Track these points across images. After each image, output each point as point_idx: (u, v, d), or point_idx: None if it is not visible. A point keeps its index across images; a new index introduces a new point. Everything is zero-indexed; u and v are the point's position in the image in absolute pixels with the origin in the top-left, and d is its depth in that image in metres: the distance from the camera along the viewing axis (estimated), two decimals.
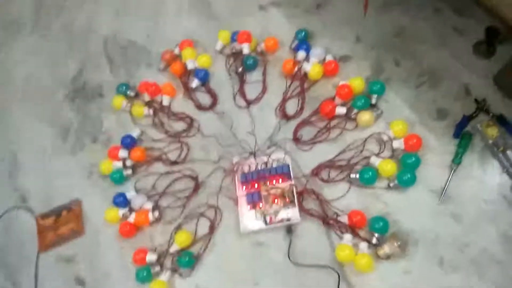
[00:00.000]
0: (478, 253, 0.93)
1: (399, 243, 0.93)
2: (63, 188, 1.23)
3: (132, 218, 1.10)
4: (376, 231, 0.97)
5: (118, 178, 1.17)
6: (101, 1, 1.54)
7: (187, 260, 1.03)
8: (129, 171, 1.18)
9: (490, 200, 0.97)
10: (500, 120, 1.02)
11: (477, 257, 0.93)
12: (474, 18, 1.16)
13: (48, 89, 1.41)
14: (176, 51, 1.34)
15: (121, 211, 1.12)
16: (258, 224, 1.04)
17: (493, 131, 1.00)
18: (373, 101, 1.12)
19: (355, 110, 1.11)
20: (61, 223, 1.17)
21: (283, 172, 1.08)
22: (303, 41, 1.24)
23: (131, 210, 1.13)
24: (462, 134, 1.03)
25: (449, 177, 1.00)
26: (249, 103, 1.23)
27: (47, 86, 1.42)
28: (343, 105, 1.13)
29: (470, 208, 0.97)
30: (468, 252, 0.94)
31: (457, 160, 1.00)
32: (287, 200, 1.05)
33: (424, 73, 1.14)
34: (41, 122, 1.36)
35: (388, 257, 0.95)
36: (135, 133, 1.23)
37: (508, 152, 0.98)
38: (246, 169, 1.11)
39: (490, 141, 1.00)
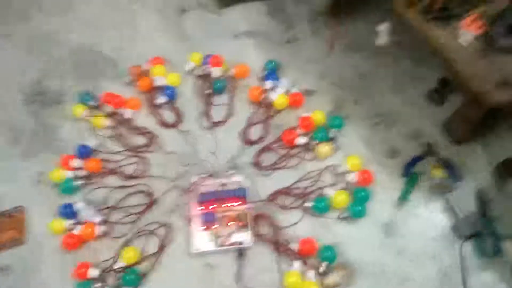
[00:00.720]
0: None
1: (344, 273, 0.95)
2: (8, 193, 1.16)
3: (77, 230, 1.06)
4: (325, 260, 0.98)
5: (68, 188, 1.13)
6: (75, 12, 1.51)
7: (132, 278, 0.99)
8: (81, 182, 1.14)
9: (433, 238, 1.02)
10: (446, 164, 1.09)
11: None
12: (430, 67, 1.25)
13: (4, 90, 1.35)
14: (145, 66, 1.34)
15: (67, 222, 1.07)
16: (210, 246, 1.03)
17: (438, 173, 1.06)
18: (332, 134, 1.17)
19: (315, 141, 1.15)
20: (0, 230, 1.10)
21: (240, 195, 1.08)
22: (272, 72, 1.29)
23: (78, 222, 1.08)
24: (411, 174, 1.09)
25: (395, 213, 1.04)
26: (214, 124, 1.24)
27: (4, 87, 1.36)
28: (304, 135, 1.17)
29: (414, 244, 1.02)
30: (409, 285, 0.97)
31: (404, 197, 1.06)
32: (241, 223, 1.05)
33: (381, 114, 1.21)
34: None
35: (334, 286, 0.96)
36: (92, 143, 1.20)
37: (449, 194, 1.04)
38: (203, 189, 1.11)
39: (435, 182, 1.06)
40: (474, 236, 0.99)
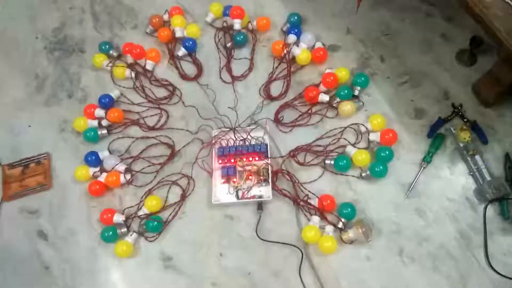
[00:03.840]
0: (436, 248, 0.98)
1: (363, 229, 0.96)
2: (34, 140, 1.19)
3: (102, 178, 1.08)
4: (343, 216, 1.00)
5: (92, 136, 1.14)
6: None
7: (155, 225, 1.02)
8: (104, 131, 1.16)
9: (454, 200, 1.02)
10: (474, 126, 1.07)
11: (434, 251, 0.98)
12: (461, 27, 1.20)
13: (27, 39, 1.35)
14: (165, 17, 1.31)
15: (92, 170, 1.10)
16: (230, 198, 1.05)
17: (465, 135, 1.04)
18: (356, 92, 1.14)
19: (337, 99, 1.13)
20: (28, 175, 1.13)
21: (260, 150, 1.08)
22: (295, 25, 1.25)
23: (102, 170, 1.11)
24: (436, 135, 1.08)
25: (418, 173, 1.04)
26: (234, 79, 1.22)
27: (26, 35, 1.35)
28: (326, 92, 1.15)
29: (434, 205, 1.02)
30: (427, 245, 0.98)
31: (427, 159, 1.05)
32: (261, 178, 1.06)
33: (407, 73, 1.18)
34: (16, 70, 1.30)
35: (351, 242, 0.98)
36: (114, 93, 1.20)
37: (477, 157, 1.02)
38: (224, 143, 1.11)
39: (461, 145, 1.05)
40: (498, 199, 0.99)
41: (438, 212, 1.01)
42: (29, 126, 1.21)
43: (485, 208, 1.00)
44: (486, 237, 0.97)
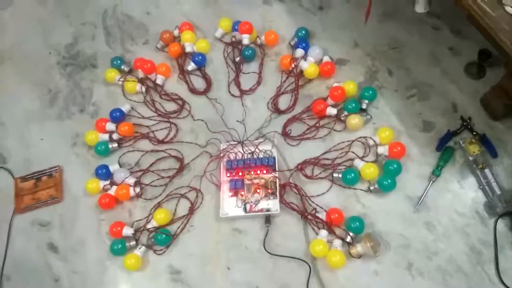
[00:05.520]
0: (445, 262, 0.97)
1: (372, 244, 0.96)
2: (45, 153, 1.21)
3: (112, 191, 1.10)
4: (352, 230, 0.99)
5: (103, 150, 1.16)
6: None
7: (164, 238, 1.03)
8: (115, 145, 1.18)
9: (464, 214, 1.01)
10: (483, 139, 1.06)
11: (444, 265, 0.97)
12: (469, 40, 1.20)
13: (40, 54, 1.38)
14: (176, 32, 1.33)
15: (103, 183, 1.11)
16: (238, 211, 1.05)
17: (474, 149, 1.03)
18: (364, 106, 1.15)
19: (345, 113, 1.14)
20: (40, 188, 1.15)
21: (268, 163, 1.09)
22: (303, 40, 1.26)
23: (112, 183, 1.12)
24: (445, 148, 1.07)
25: (427, 187, 1.04)
26: (242, 92, 1.24)
27: (39, 50, 1.39)
28: (334, 106, 1.15)
29: (443, 219, 1.01)
30: (436, 260, 0.97)
31: (437, 172, 1.04)
32: (269, 191, 1.06)
33: (415, 86, 1.18)
34: (29, 84, 1.33)
35: (360, 256, 0.97)
36: (125, 107, 1.22)
37: (486, 170, 1.02)
38: (232, 156, 1.12)
39: (471, 158, 1.04)
40: (509, 214, 0.98)
41: (447, 226, 1.00)
42: (42, 139, 1.24)
43: (496, 222, 0.99)
44: (497, 251, 0.96)
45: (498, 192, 0.99)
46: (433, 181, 1.04)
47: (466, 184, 1.04)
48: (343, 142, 1.12)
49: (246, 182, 1.08)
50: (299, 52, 1.23)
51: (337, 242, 0.98)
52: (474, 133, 1.08)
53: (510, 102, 1.04)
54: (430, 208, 1.02)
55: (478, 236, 0.98)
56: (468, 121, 1.09)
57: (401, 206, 1.03)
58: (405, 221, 1.02)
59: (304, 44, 1.24)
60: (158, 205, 1.10)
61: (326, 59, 1.22)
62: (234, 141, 1.15)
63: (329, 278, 0.98)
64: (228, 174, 1.10)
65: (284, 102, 1.21)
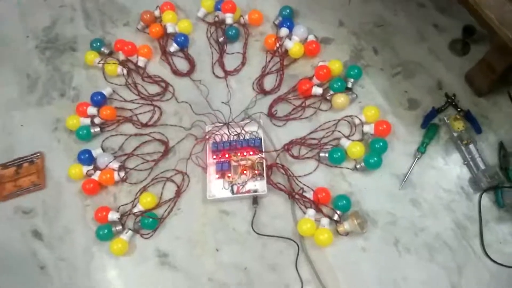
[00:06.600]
0: (432, 238, 0.98)
1: (359, 221, 0.96)
2: (26, 140, 1.18)
3: (96, 176, 1.08)
4: (339, 208, 1.00)
5: (84, 134, 1.14)
6: None
7: (150, 222, 1.02)
8: (97, 129, 1.15)
9: (449, 190, 1.02)
10: (467, 115, 1.06)
11: (430, 241, 0.98)
12: (454, 17, 1.19)
13: (17, 38, 1.33)
14: (157, 13, 1.30)
15: (86, 168, 1.09)
16: (225, 193, 1.05)
17: (459, 125, 1.04)
18: (349, 85, 1.14)
19: (331, 92, 1.13)
20: (21, 175, 1.12)
21: (254, 144, 1.08)
22: (287, 19, 1.24)
23: (96, 168, 1.10)
24: (429, 125, 1.07)
25: (412, 164, 1.04)
26: (227, 73, 1.22)
27: (16, 34, 1.34)
28: (320, 85, 1.14)
29: (428, 196, 1.02)
30: (423, 236, 0.99)
31: (422, 149, 1.05)
32: (256, 172, 1.05)
33: (400, 64, 1.17)
34: (7, 70, 1.29)
35: (347, 234, 0.98)
36: (106, 91, 1.19)
37: (471, 146, 1.02)
38: (218, 138, 1.11)
39: (455, 134, 1.05)
40: (493, 188, 0.99)
41: (433, 202, 1.01)
42: (22, 125, 1.20)
43: (480, 197, 1.00)
44: (482, 226, 0.98)
45: (483, 167, 1.00)
46: (418, 158, 1.04)
47: (451, 160, 1.05)
48: (329, 121, 1.11)
49: (233, 163, 1.07)
50: (284, 31, 1.21)
51: (325, 221, 0.99)
52: (458, 109, 1.08)
53: (494, 77, 1.04)
54: (415, 185, 1.03)
55: (463, 211, 1.00)
56: (453, 98, 1.10)
57: (387, 183, 1.04)
58: (391, 198, 1.02)
59: (288, 23, 1.22)
60: (144, 189, 1.08)
61: (311, 38, 1.21)
62: (219, 123, 1.13)
63: (317, 256, 0.98)
64: (214, 156, 1.09)
65: (269, 82, 1.19)
